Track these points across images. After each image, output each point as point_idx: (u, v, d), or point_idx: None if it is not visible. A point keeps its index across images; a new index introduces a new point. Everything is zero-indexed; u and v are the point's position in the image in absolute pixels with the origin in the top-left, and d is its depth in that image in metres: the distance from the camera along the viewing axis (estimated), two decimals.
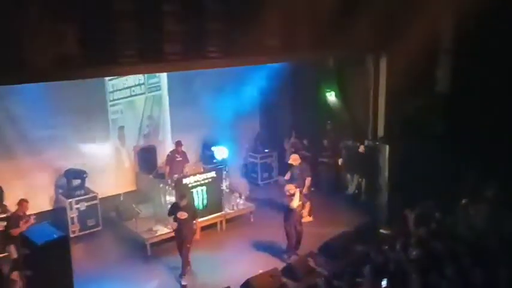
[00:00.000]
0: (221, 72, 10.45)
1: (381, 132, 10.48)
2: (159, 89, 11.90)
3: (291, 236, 9.06)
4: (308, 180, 10.22)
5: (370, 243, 8.48)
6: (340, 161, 12.10)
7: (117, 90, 11.39)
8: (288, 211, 8.97)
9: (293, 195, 8.84)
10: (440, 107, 9.90)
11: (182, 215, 8.42)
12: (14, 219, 8.07)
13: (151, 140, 11.89)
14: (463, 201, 8.63)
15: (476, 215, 8.15)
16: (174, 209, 8.59)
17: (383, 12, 8.71)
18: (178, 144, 11.05)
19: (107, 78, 10.95)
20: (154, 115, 12.02)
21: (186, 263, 8.58)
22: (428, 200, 8.89)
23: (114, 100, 11.39)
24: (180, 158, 11.02)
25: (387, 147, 10.15)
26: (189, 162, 11.24)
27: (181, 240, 8.59)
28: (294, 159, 10.41)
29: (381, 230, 9.26)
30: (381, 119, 10.44)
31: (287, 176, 10.35)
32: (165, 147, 11.90)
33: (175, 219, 8.48)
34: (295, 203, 8.82)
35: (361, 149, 11.14)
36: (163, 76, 11.74)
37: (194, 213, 8.74)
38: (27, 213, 8.31)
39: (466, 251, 7.08)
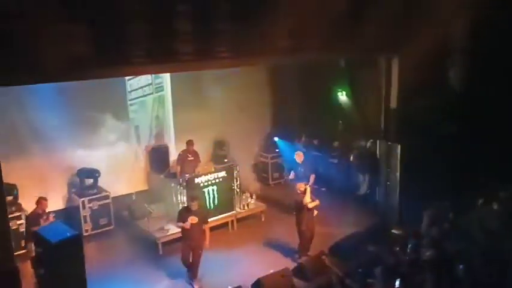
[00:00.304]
0: (231, 72, 10.48)
1: (392, 132, 10.44)
2: (163, 90, 11.89)
3: (303, 235, 9.06)
4: (312, 177, 10.22)
5: (382, 244, 8.44)
6: (352, 158, 12.09)
7: (133, 90, 11.52)
8: (299, 209, 8.97)
9: (304, 192, 8.87)
10: (453, 106, 9.83)
11: (193, 219, 8.16)
12: (33, 217, 8.16)
13: (160, 140, 11.94)
14: (480, 201, 8.57)
15: (490, 216, 8.07)
16: (184, 213, 8.33)
17: (394, 13, 8.66)
18: (189, 143, 11.05)
19: (126, 78, 11.04)
20: (160, 115, 12.05)
21: (197, 268, 8.34)
22: (441, 201, 8.84)
23: (131, 100, 11.53)
24: (192, 158, 11.00)
25: (399, 146, 10.10)
26: (201, 162, 11.27)
27: (189, 245, 8.28)
28: (298, 156, 10.42)
29: (393, 231, 9.21)
30: (393, 118, 10.40)
31: (291, 176, 10.37)
32: (171, 147, 11.92)
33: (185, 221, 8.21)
34: (308, 198, 8.85)
35: (373, 148, 11.10)
36: (167, 76, 11.70)
37: (205, 217, 8.53)
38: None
39: (479, 252, 7.02)
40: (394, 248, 8.08)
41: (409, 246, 7.88)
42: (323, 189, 11.67)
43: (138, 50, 6.78)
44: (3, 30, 5.75)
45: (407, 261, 7.36)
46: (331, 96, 11.96)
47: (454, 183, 8.96)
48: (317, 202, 8.98)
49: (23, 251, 8.68)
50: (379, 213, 10.57)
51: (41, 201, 8.31)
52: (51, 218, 8.22)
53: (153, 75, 11.42)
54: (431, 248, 7.41)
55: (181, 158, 10.99)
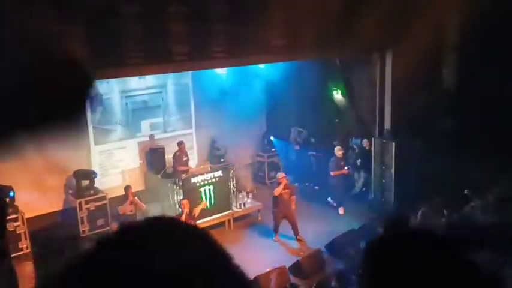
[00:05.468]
0: (227, 71, 10.48)
1: (387, 129, 10.50)
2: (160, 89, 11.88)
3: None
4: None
5: None
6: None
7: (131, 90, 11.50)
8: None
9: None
10: (447, 103, 9.89)
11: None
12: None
13: (159, 140, 11.94)
14: (466, 191, 8.63)
15: (484, 212, 8.13)
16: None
17: (388, 11, 8.70)
18: (181, 143, 11.20)
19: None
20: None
21: None
22: (436, 197, 8.89)
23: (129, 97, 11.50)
24: (186, 158, 11.23)
25: (394, 144, 10.16)
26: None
27: None
28: (339, 151, 10.96)
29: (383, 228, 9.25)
30: (387, 116, 10.47)
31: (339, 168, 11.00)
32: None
33: None
34: None
35: (368, 146, 11.16)
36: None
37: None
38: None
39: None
40: None
41: None
42: (316, 187, 11.72)
43: (134, 51, 6.81)
44: None
45: None
46: (326, 95, 11.98)
47: (448, 180, 9.03)
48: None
49: (20, 252, 8.71)
50: (375, 210, 10.61)
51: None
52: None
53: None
54: None
55: (177, 158, 11.12)
